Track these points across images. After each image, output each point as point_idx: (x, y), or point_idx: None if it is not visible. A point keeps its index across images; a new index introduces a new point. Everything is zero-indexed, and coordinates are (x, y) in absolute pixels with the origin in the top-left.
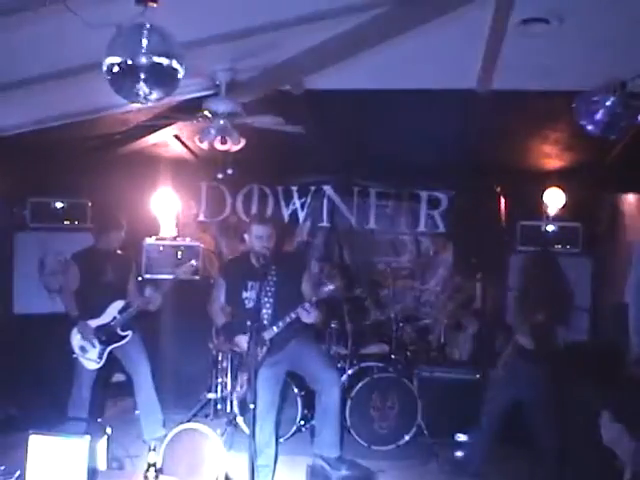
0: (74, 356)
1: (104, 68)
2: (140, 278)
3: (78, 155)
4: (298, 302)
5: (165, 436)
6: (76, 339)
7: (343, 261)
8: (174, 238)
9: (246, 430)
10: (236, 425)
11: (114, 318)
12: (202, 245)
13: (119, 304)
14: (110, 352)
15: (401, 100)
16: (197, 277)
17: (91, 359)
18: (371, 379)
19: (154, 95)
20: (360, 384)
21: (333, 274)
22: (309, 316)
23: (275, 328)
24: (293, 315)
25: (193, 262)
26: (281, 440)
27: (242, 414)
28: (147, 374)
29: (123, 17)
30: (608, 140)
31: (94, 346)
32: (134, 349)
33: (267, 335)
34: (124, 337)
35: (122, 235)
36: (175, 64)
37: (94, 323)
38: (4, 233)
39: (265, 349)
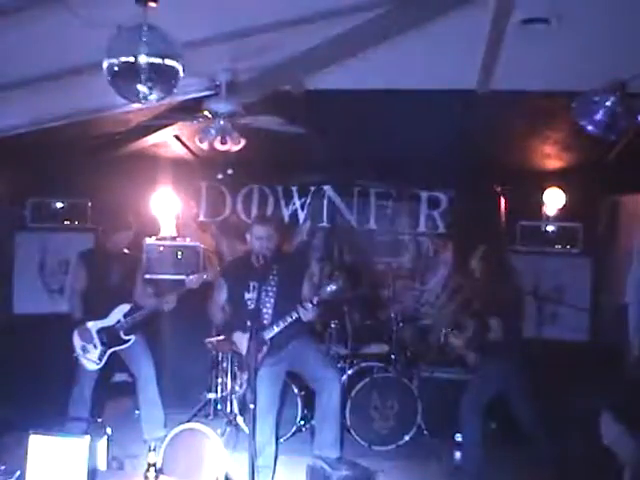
0: (75, 355)
1: (104, 68)
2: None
3: (78, 155)
4: (298, 302)
5: (165, 436)
6: (77, 339)
7: (343, 261)
8: (174, 238)
9: (246, 430)
10: (236, 425)
11: (118, 321)
12: (202, 245)
13: (125, 307)
14: (114, 352)
15: (401, 100)
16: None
17: (91, 360)
18: (371, 379)
19: (154, 95)
20: (360, 384)
21: (335, 274)
22: (308, 314)
23: (275, 327)
24: (294, 315)
25: (204, 275)
26: (281, 440)
27: (242, 414)
28: (151, 374)
29: (123, 17)
30: (608, 140)
31: (95, 347)
32: (138, 349)
33: (267, 334)
34: (126, 341)
35: (130, 235)
36: (175, 64)
37: (98, 324)
38: (4, 233)
39: (266, 348)
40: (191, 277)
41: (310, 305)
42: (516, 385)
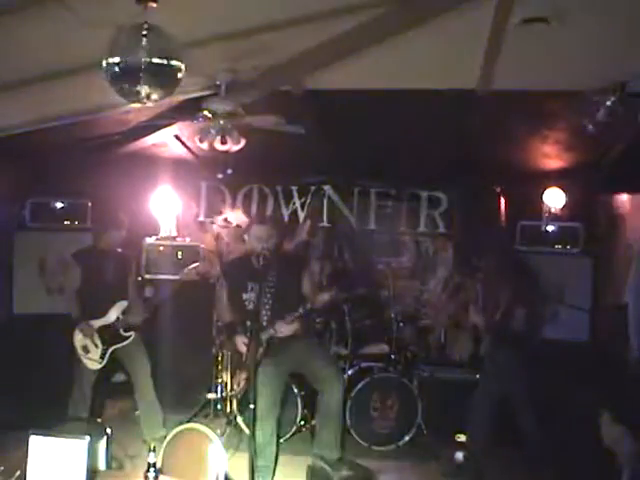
0: (77, 356)
1: (104, 68)
2: (140, 278)
3: (78, 155)
4: (297, 302)
5: (165, 436)
6: (78, 339)
7: (343, 261)
8: (174, 238)
9: (246, 430)
10: (236, 425)
11: (117, 319)
12: (202, 245)
13: (122, 305)
14: (114, 351)
15: (401, 100)
16: (198, 277)
17: (93, 359)
18: (371, 379)
19: (154, 95)
20: (360, 384)
21: (330, 281)
22: (287, 329)
23: (272, 330)
24: (272, 331)
25: (196, 265)
26: (281, 440)
27: (242, 414)
28: (147, 374)
29: (123, 17)
30: (608, 140)
31: (96, 346)
32: (134, 349)
33: (264, 336)
34: (127, 338)
35: (123, 234)
36: (175, 64)
37: (97, 323)
38: (4, 233)
39: (261, 350)
40: (184, 270)
41: (300, 314)
42: (520, 383)
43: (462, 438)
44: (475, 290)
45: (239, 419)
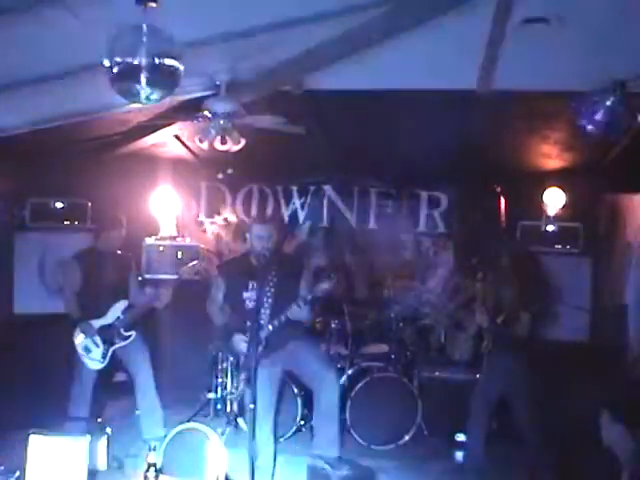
0: (77, 356)
1: (104, 68)
2: (140, 278)
3: (78, 155)
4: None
5: (165, 436)
6: (79, 339)
7: (343, 261)
8: (174, 238)
9: (246, 430)
10: (236, 425)
11: (117, 318)
12: (202, 245)
13: (122, 304)
14: (114, 351)
15: (401, 100)
16: (197, 277)
17: (95, 359)
18: (371, 379)
19: (154, 95)
20: (360, 384)
21: (330, 273)
22: (299, 314)
23: (270, 327)
24: (283, 318)
25: (195, 262)
26: (281, 440)
27: (241, 414)
28: (148, 374)
29: (123, 17)
30: (608, 140)
31: (98, 346)
32: (136, 348)
33: (263, 334)
34: (127, 337)
35: (122, 235)
36: (175, 64)
37: (97, 323)
38: (4, 233)
39: (261, 348)
40: (183, 268)
41: (301, 303)
42: (520, 384)
43: (462, 438)
44: (476, 290)
45: (239, 419)
